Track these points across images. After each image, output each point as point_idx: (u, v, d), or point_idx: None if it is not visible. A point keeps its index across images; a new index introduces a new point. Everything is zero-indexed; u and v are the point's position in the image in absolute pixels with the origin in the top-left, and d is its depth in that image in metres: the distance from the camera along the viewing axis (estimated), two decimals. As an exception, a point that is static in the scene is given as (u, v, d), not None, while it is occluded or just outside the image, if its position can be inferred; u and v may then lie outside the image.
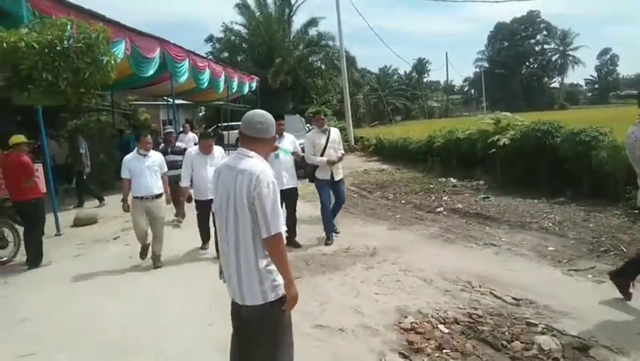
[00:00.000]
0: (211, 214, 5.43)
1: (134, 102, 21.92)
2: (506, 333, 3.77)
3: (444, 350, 3.57)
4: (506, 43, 72.42)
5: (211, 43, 35.42)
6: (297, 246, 6.48)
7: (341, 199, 6.92)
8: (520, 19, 71.75)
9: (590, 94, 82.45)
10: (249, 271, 2.39)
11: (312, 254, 6.23)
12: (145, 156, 6.07)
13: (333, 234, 6.86)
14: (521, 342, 3.62)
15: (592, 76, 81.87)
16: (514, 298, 4.45)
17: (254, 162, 2.43)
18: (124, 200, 6.05)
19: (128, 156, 6.12)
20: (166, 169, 6.36)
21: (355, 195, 10.68)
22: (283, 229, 2.36)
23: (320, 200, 6.73)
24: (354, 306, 4.50)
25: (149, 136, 6.33)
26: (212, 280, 3.88)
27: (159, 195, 6.10)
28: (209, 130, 17.93)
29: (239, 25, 34.40)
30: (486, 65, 73.70)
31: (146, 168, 5.98)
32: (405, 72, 65.44)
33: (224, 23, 34.31)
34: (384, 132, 22.72)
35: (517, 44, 71.52)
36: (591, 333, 3.68)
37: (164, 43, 11.56)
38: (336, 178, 6.75)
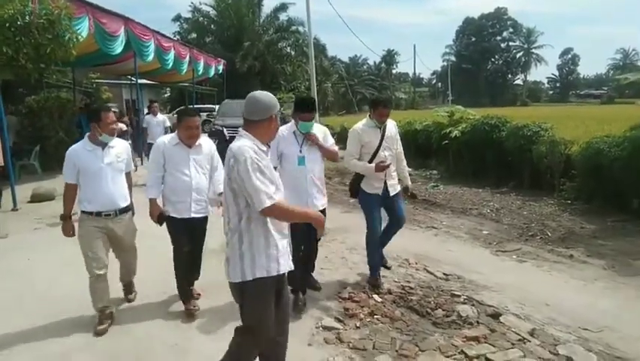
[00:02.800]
0: (197, 248, 4.17)
1: (96, 80, 21.53)
2: (432, 302, 4.22)
3: (375, 316, 3.98)
4: (474, 39, 73.94)
5: (178, 23, 34.92)
6: (316, 288, 4.45)
7: (400, 218, 4.75)
8: (488, 15, 73.39)
9: (551, 92, 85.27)
10: (233, 251, 2.47)
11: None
12: (104, 147, 3.77)
13: (382, 268, 4.87)
14: (444, 310, 4.07)
15: (554, 74, 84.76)
16: (444, 274, 4.93)
17: (237, 142, 2.44)
18: (65, 218, 3.84)
19: (74, 148, 3.79)
20: (132, 167, 4.26)
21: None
22: (269, 202, 2.32)
23: (367, 223, 4.64)
24: (299, 279, 4.86)
25: (112, 113, 3.88)
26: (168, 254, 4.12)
27: (126, 210, 3.95)
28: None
29: (207, 6, 34.02)
30: (453, 59, 75.11)
31: (107, 167, 3.76)
32: (374, 63, 66.18)
33: (192, 3, 33.89)
34: (350, 121, 23.11)
35: (484, 40, 73.17)
36: (505, 303, 4.18)
37: (128, 22, 11.51)
38: (392, 193, 4.62)
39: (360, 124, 4.68)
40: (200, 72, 18.36)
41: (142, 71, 15.16)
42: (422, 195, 8.81)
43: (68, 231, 3.86)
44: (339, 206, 8.25)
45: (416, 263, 5.27)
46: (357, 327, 3.80)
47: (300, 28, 32.94)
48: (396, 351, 3.41)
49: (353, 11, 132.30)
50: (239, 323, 2.62)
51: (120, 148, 3.93)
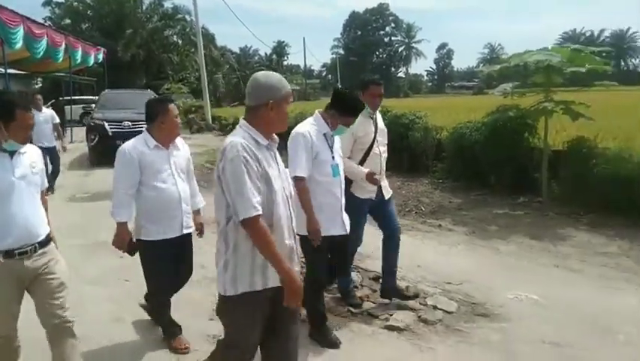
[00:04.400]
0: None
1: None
2: (323, 273, 4.66)
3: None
4: (360, 33, 77.30)
5: (49, 8, 31.98)
6: (357, 305, 3.93)
7: (396, 229, 4.09)
8: (372, 10, 77.16)
9: (430, 84, 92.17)
10: (219, 257, 2.16)
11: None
12: (13, 154, 2.52)
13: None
14: (333, 278, 4.53)
15: (431, 67, 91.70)
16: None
17: (233, 134, 2.11)
18: None
19: None
20: (47, 183, 2.87)
21: (209, 172, 11.07)
22: (253, 213, 1.96)
23: (351, 235, 3.50)
24: (198, 263, 5.01)
25: (31, 113, 2.59)
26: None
27: (48, 241, 2.63)
28: (49, 104, 16.41)
29: (82, -10, 31.59)
30: (342, 52, 77.89)
31: (20, 183, 2.51)
32: (265, 54, 66.30)
33: (65, -14, 31.21)
34: (243, 112, 23.12)
35: (369, 34, 76.86)
36: (385, 268, 4.75)
37: (-8, 6, 10.45)
38: (387, 196, 3.98)
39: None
40: (78, 61, 17.12)
41: (11, 60, 13.80)
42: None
43: None
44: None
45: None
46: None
47: (188, 17, 31.98)
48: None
49: (242, 1, 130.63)
50: None
51: (33, 154, 2.64)
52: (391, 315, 3.73)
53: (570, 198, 6.61)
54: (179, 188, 3.21)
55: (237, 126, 2.16)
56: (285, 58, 69.82)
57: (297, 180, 2.98)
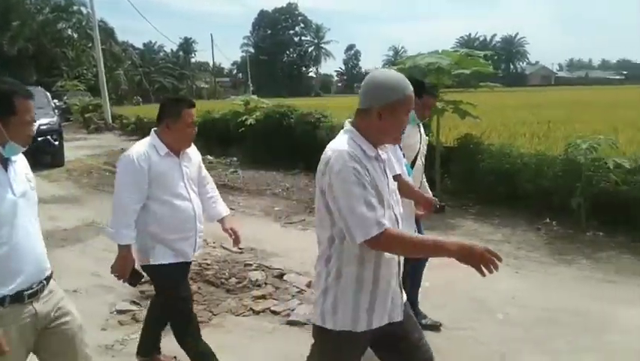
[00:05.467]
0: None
1: None
2: (227, 273, 4.62)
3: (172, 293, 4.19)
4: (269, 31, 77.19)
5: None
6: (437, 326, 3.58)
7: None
8: (281, 9, 77.36)
9: (340, 84, 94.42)
10: (318, 282, 1.87)
11: (50, 230, 6.11)
12: (7, 165, 1.89)
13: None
14: (237, 278, 4.51)
15: (341, 68, 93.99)
16: (239, 248, 5.31)
17: (338, 140, 1.81)
18: None
19: None
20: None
21: (108, 174, 10.45)
22: (375, 230, 1.63)
23: None
24: (92, 271, 4.75)
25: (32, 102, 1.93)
26: None
27: (51, 276, 2.03)
28: None
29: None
30: (252, 50, 77.29)
31: (22, 202, 1.90)
32: (172, 50, 63.88)
33: None
34: (146, 111, 22.12)
35: (278, 33, 77.01)
36: (290, 265, 4.82)
37: None
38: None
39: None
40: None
41: None
42: (222, 181, 9.18)
43: None
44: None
45: (214, 242, 5.60)
46: (154, 305, 3.95)
47: (83, 9, 29.90)
48: (192, 319, 3.69)
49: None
50: None
51: (22, 161, 2.01)
52: (293, 310, 3.80)
53: (461, 191, 7.14)
54: (193, 204, 2.71)
55: (342, 131, 1.84)
56: (193, 55, 67.90)
57: None
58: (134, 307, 3.92)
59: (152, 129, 2.69)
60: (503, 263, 5.07)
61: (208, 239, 5.66)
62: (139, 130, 18.48)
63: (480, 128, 8.49)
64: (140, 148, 2.59)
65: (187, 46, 65.10)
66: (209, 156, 12.43)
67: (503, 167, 6.48)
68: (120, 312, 3.85)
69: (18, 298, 1.83)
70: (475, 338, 3.44)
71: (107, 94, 21.88)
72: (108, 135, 19.64)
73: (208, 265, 4.86)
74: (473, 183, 6.94)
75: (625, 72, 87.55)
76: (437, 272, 4.59)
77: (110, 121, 21.34)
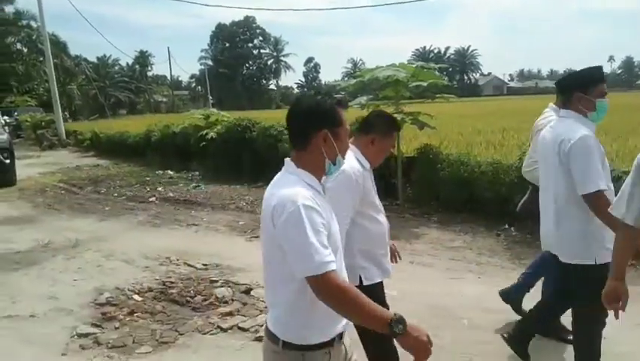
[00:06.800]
0: None
1: None
2: (192, 291, 4.52)
3: (135, 314, 4.07)
4: (227, 44, 76.73)
5: None
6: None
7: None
8: (239, 22, 77.09)
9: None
10: None
11: (2, 254, 5.83)
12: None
13: None
14: (202, 295, 4.42)
15: (301, 80, 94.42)
16: (203, 264, 5.28)
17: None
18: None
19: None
20: None
21: (63, 192, 10.10)
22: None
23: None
24: (49, 294, 4.56)
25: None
26: None
27: None
28: None
29: None
30: (210, 63, 76.54)
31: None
32: (127, 64, 62.50)
33: None
34: (102, 126, 21.51)
35: (237, 46, 76.66)
36: (256, 280, 4.73)
37: None
38: None
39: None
40: None
41: None
42: (184, 196, 9.03)
43: None
44: (93, 216, 7.82)
45: (177, 259, 5.48)
46: (117, 328, 3.83)
47: (33, 23, 28.89)
48: (157, 340, 3.60)
49: (98, 8, 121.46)
50: None
51: None
52: (261, 326, 3.76)
53: (422, 200, 7.30)
54: (385, 219, 2.59)
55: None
56: (150, 68, 66.58)
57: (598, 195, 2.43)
58: (95, 330, 3.77)
59: (349, 141, 2.24)
60: (466, 269, 5.19)
61: (172, 256, 5.56)
62: (98, 145, 17.95)
63: (438, 138, 8.72)
64: (351, 162, 2.34)
65: (143, 59, 63.74)
66: (169, 171, 12.22)
67: (462, 175, 6.67)
68: (81, 335, 3.70)
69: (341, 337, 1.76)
70: (441, 346, 3.50)
71: (60, 109, 21.15)
72: (62, 152, 18.98)
73: (172, 283, 4.75)
74: (434, 191, 7.11)
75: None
76: (402, 281, 4.67)
77: (64, 137, 20.63)
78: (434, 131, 7.91)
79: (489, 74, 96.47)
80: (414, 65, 7.40)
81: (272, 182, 1.75)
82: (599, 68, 2.69)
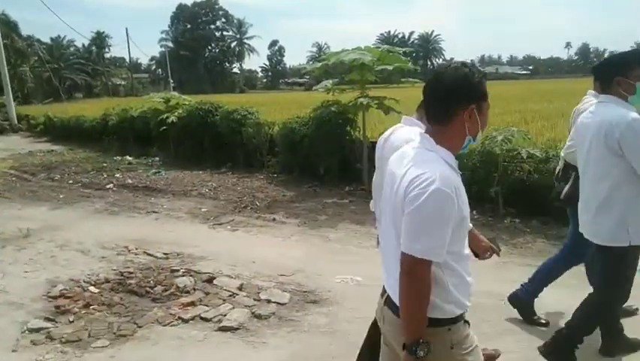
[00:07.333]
0: None
1: None
2: (151, 281, 4.35)
3: (91, 307, 3.88)
4: (189, 26, 74.56)
5: None
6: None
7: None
8: (201, 3, 74.92)
9: (265, 80, 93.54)
10: None
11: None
12: None
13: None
14: (163, 286, 4.26)
15: (265, 64, 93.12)
16: (164, 253, 5.11)
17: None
18: None
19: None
20: None
21: (14, 179, 9.58)
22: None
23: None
24: (-2, 287, 4.30)
25: None
26: None
27: None
28: None
29: None
30: (171, 45, 74.31)
31: None
32: (83, 45, 59.89)
33: None
34: (56, 110, 20.55)
35: (199, 28, 74.60)
36: (219, 268, 4.64)
37: None
38: None
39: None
40: None
41: None
42: (143, 183, 8.73)
43: None
44: (46, 204, 7.46)
45: (136, 248, 5.28)
46: (71, 321, 3.65)
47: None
48: (114, 333, 3.45)
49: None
50: None
51: None
52: (225, 315, 3.66)
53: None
54: None
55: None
56: (107, 50, 63.96)
57: None
58: (48, 325, 3.57)
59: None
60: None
61: (130, 245, 5.36)
62: (52, 130, 17.14)
63: (403, 122, 8.73)
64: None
65: (100, 41, 61.06)
66: (128, 157, 11.81)
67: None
68: (33, 330, 3.50)
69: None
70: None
71: (10, 92, 20.08)
72: (14, 137, 18.06)
73: (131, 273, 4.56)
74: (399, 176, 7.11)
75: (530, 67, 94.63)
76: (369, 266, 4.65)
77: (16, 122, 19.65)
78: (399, 116, 7.88)
79: (452, 59, 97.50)
80: (379, 49, 7.32)
81: (402, 155, 1.66)
82: (637, 51, 2.76)
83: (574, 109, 3.40)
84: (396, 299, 1.63)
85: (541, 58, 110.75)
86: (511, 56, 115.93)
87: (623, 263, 2.63)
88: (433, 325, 1.56)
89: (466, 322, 1.67)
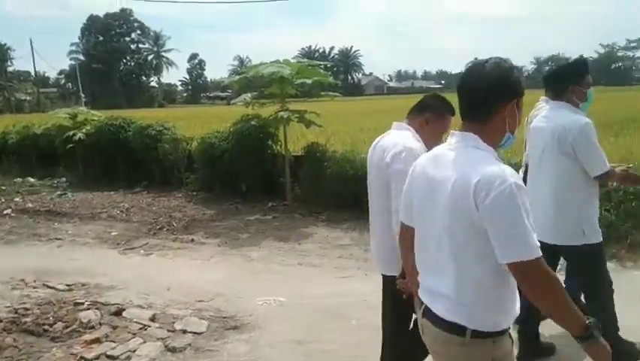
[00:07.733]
0: None
1: None
2: (51, 318, 3.89)
3: (-24, 353, 3.39)
4: (101, 38, 70.99)
5: None
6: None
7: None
8: (114, 14, 71.69)
9: (185, 94, 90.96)
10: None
11: None
12: None
13: None
14: (64, 322, 3.82)
15: (185, 77, 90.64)
16: (67, 285, 4.63)
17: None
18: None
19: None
20: None
21: None
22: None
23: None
24: None
25: None
26: None
27: None
28: None
29: None
30: (82, 58, 70.22)
31: None
32: (-19, 57, 54.97)
33: None
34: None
35: (112, 40, 71.22)
36: (130, 298, 4.27)
37: None
38: None
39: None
40: None
41: None
42: (46, 207, 7.98)
43: None
44: None
45: (34, 281, 4.75)
46: (-51, 372, 3.15)
47: None
48: (3, 383, 3.01)
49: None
50: None
51: None
52: (134, 351, 3.34)
53: (310, 199, 7.22)
54: None
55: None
56: (10, 63, 59.18)
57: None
58: None
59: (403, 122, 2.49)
60: (354, 267, 5.15)
61: (27, 278, 4.81)
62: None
63: (325, 136, 8.74)
64: (415, 142, 2.34)
65: (2, 53, 56.46)
66: (30, 178, 10.83)
67: (348, 172, 6.70)
68: None
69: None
70: (329, 350, 3.39)
71: None
72: None
73: (27, 309, 4.06)
74: (321, 189, 7.06)
75: (443, 82, 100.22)
76: (291, 285, 4.51)
77: None
78: (321, 130, 7.89)
79: (370, 74, 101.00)
80: (299, 63, 7.29)
81: (435, 156, 1.62)
82: (585, 60, 2.98)
83: (528, 114, 3.53)
84: (441, 305, 1.55)
85: (453, 72, 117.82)
86: (425, 70, 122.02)
87: (592, 261, 2.81)
88: (477, 336, 1.49)
89: (510, 337, 1.60)
